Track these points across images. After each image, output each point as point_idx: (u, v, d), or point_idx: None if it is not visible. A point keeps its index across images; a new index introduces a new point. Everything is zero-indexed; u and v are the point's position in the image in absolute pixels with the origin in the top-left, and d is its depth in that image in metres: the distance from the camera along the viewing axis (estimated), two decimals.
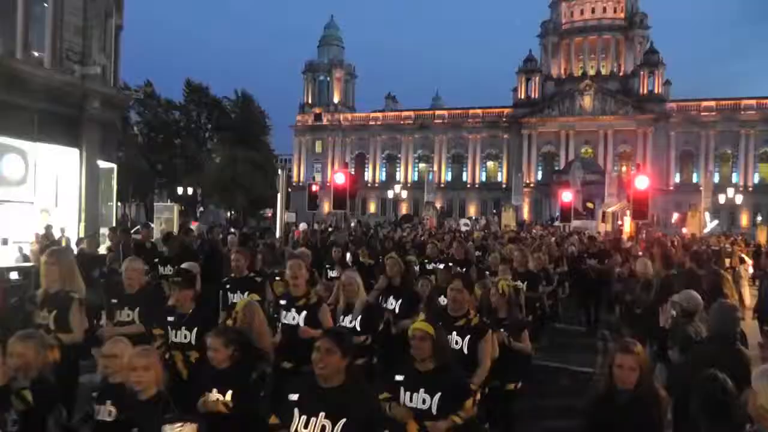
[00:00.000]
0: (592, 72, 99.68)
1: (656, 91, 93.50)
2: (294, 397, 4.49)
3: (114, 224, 22.89)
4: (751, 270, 21.20)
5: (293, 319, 7.31)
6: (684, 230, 44.45)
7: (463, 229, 40.50)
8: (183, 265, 9.00)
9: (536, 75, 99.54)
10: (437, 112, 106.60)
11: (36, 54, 19.50)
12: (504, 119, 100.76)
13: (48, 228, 18.09)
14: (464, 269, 11.82)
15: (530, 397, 10.13)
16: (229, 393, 5.43)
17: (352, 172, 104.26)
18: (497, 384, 7.40)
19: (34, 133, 19.20)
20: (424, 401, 5.05)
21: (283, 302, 7.59)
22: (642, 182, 18.97)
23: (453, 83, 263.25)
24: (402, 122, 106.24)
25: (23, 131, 18.68)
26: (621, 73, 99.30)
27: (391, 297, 9.04)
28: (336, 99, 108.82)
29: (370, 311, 7.97)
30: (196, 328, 6.92)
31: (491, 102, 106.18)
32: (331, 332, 4.85)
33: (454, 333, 6.34)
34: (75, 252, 13.15)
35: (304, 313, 7.28)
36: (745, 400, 3.86)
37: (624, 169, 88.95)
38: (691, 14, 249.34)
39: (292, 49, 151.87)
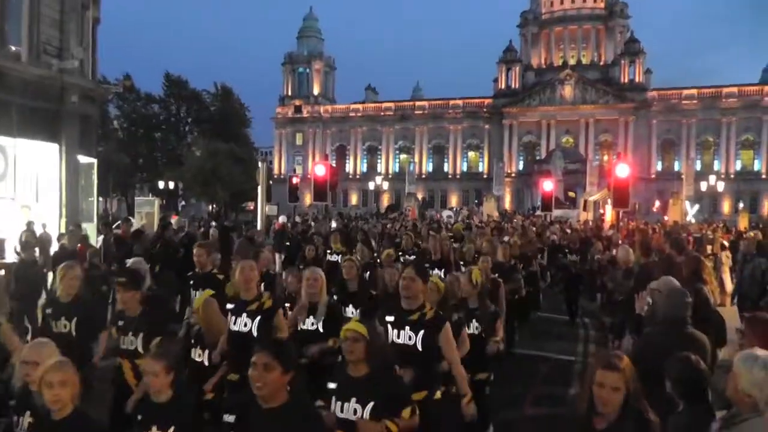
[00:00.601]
0: (572, 61, 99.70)
1: (637, 80, 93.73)
2: (230, 418, 4.05)
3: (95, 219, 22.83)
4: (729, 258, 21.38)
5: (245, 325, 6.61)
6: (665, 218, 44.78)
7: (446, 219, 40.66)
8: (129, 263, 8.56)
9: (516, 65, 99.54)
10: (417, 103, 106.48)
11: (13, 48, 19.34)
12: (485, 109, 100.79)
13: (29, 224, 18.00)
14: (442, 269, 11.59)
15: (509, 385, 10.25)
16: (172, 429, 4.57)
17: (333, 164, 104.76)
18: (467, 375, 7.43)
19: (14, 129, 19.08)
20: (355, 411, 4.53)
21: (231, 306, 6.83)
22: (622, 170, 19.05)
23: (434, 74, 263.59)
24: (382, 114, 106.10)
25: (2, 127, 18.56)
26: (602, 63, 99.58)
27: (350, 305, 8.54)
28: (316, 91, 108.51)
29: (335, 311, 7.46)
30: (142, 334, 6.41)
31: (472, 92, 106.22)
32: (270, 344, 4.25)
33: (407, 328, 5.66)
34: (57, 248, 13.14)
35: (258, 318, 6.60)
36: (723, 384, 3.91)
37: (606, 158, 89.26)
38: (671, 3, 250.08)
39: (272, 41, 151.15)
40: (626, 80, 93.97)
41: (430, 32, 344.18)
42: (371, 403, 4.47)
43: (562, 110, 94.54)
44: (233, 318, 6.67)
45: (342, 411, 4.54)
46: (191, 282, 8.86)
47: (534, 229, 23.64)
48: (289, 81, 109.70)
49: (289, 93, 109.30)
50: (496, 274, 10.74)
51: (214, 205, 73.52)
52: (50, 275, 12.50)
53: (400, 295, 5.88)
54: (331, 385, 4.74)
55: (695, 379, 4.42)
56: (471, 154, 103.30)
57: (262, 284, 8.71)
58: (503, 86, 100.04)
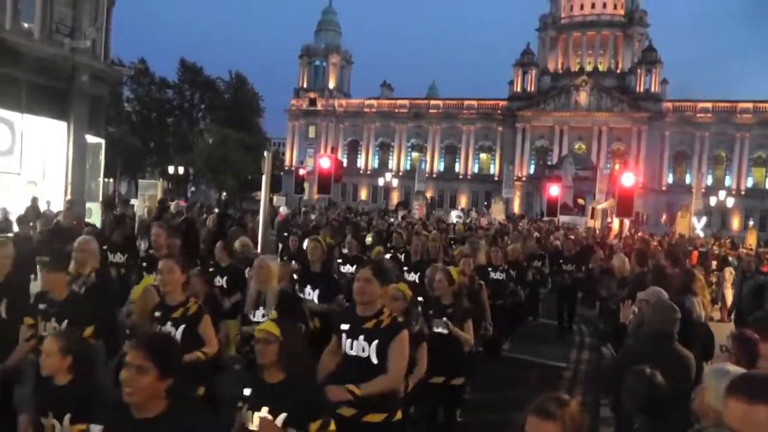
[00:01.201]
0: (589, 68, 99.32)
1: (653, 90, 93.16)
2: (96, 429, 3.49)
3: (101, 199, 22.88)
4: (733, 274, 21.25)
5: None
6: (672, 229, 44.63)
7: (455, 220, 40.67)
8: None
9: (533, 69, 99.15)
10: (432, 102, 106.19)
11: (26, 25, 19.38)
12: (499, 111, 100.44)
13: (34, 200, 18.06)
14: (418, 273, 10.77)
15: (498, 390, 10.22)
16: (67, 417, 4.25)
17: (345, 158, 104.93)
18: (443, 380, 7.17)
19: (22, 105, 19.17)
20: None
21: (157, 314, 5.97)
22: (628, 179, 18.88)
23: (449, 74, 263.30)
24: (396, 110, 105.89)
25: (11, 102, 18.65)
26: (618, 70, 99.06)
27: (308, 286, 8.00)
28: (331, 84, 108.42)
29: (286, 301, 6.82)
30: (66, 320, 5.84)
31: (487, 94, 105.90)
32: (147, 341, 3.68)
33: (361, 337, 4.98)
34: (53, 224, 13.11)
35: (182, 327, 5.78)
36: (694, 397, 3.83)
37: (617, 166, 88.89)
38: (690, 14, 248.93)
39: (290, 35, 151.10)
40: (642, 89, 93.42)
41: (447, 31, 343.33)
42: (283, 415, 4.00)
43: (576, 116, 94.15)
44: (158, 327, 5.81)
45: (254, 422, 4.06)
46: (143, 264, 8.52)
47: (537, 234, 23.50)
48: (305, 73, 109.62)
49: (305, 85, 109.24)
50: (478, 278, 10.24)
51: (224, 193, 73.74)
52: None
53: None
54: (246, 392, 4.26)
55: (651, 393, 4.35)
56: (483, 155, 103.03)
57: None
58: (518, 89, 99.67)
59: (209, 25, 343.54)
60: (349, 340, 5.03)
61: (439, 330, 7.12)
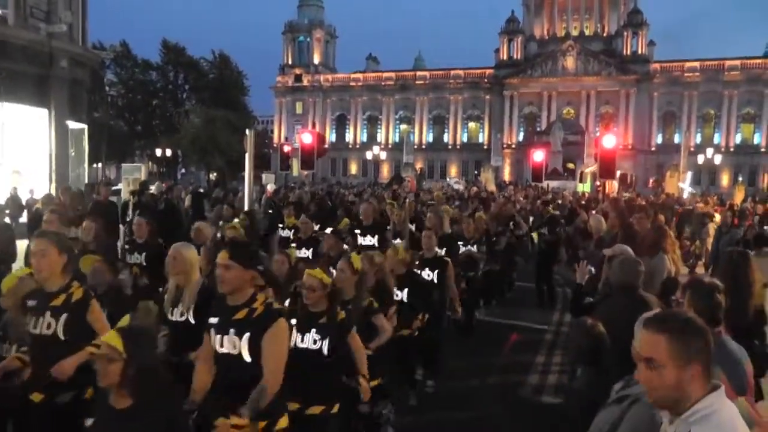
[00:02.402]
0: (575, 32, 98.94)
1: (640, 52, 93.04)
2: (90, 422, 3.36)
3: (85, 185, 22.84)
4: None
5: (48, 326, 4.97)
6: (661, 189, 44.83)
7: (455, 188, 41.09)
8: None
9: (519, 36, 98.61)
10: (418, 73, 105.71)
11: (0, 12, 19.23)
12: (486, 80, 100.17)
13: (14, 189, 17.98)
14: (376, 235, 10.88)
15: (478, 355, 10.32)
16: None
17: (334, 133, 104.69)
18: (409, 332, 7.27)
19: (0, 93, 19.04)
20: None
21: (31, 303, 5.10)
22: (609, 141, 18.86)
23: (436, 44, 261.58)
24: (383, 83, 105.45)
25: None
26: (605, 34, 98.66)
27: None
28: (316, 60, 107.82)
29: (209, 297, 5.53)
30: None
31: (474, 63, 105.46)
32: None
33: (232, 331, 4.33)
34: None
35: (65, 316, 4.97)
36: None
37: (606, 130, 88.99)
38: None
39: (273, 9, 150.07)
40: (629, 52, 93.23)
41: (432, 1, 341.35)
42: None
43: (564, 81, 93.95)
44: (33, 319, 5.01)
45: None
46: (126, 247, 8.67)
47: (523, 199, 23.57)
48: (289, 50, 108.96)
49: (290, 62, 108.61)
50: (444, 249, 9.93)
51: (214, 174, 73.57)
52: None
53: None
54: (88, 422, 3.68)
55: (591, 344, 4.42)
56: (471, 124, 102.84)
57: None
58: (505, 57, 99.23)
59: (190, 4, 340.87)
60: (219, 336, 4.38)
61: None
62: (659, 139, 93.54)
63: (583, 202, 24.12)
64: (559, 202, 23.80)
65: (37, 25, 19.87)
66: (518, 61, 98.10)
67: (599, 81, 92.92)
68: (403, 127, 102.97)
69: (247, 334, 4.24)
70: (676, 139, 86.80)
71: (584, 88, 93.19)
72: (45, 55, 20.27)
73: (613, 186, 37.27)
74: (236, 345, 4.28)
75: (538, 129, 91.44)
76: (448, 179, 73.42)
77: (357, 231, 11.23)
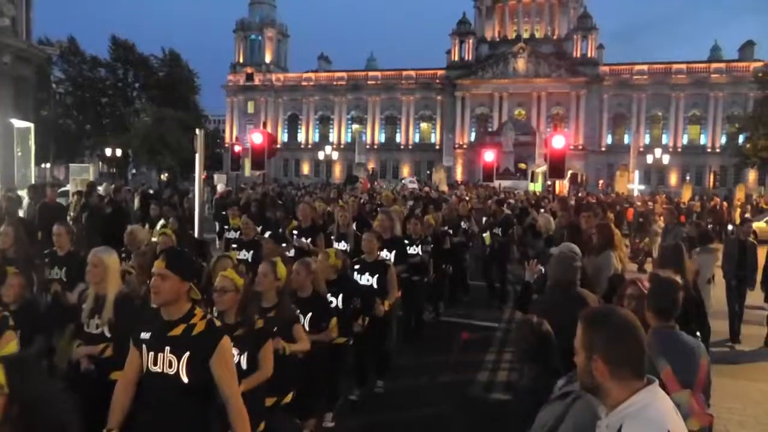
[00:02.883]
0: (526, 35, 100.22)
1: (589, 55, 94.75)
2: None
3: (31, 186, 22.32)
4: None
5: None
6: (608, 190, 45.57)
7: (410, 187, 41.35)
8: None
9: (470, 37, 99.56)
10: (371, 74, 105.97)
11: None
12: (438, 81, 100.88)
13: None
14: (309, 239, 10.66)
15: (427, 354, 10.34)
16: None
17: (286, 133, 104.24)
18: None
19: None
20: None
21: None
22: (558, 142, 19.08)
23: (388, 45, 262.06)
24: (335, 83, 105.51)
25: None
26: (555, 37, 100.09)
27: None
28: (268, 59, 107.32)
29: (127, 308, 5.27)
30: None
31: (426, 64, 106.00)
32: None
33: (167, 349, 3.92)
34: None
35: None
36: None
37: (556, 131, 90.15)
38: None
39: (224, 6, 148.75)
40: (579, 55, 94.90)
41: (384, 2, 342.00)
42: None
43: (515, 83, 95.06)
44: None
45: None
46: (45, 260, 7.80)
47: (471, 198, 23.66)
48: (240, 48, 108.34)
49: (241, 60, 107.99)
50: (393, 252, 9.58)
51: (166, 174, 72.61)
52: None
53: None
54: None
55: (535, 341, 4.43)
56: (423, 125, 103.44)
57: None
58: (456, 58, 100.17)
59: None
60: (152, 353, 3.96)
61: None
62: (609, 140, 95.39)
63: (533, 202, 24.35)
64: (511, 201, 24.02)
65: None
66: (470, 62, 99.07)
67: (550, 83, 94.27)
68: (356, 127, 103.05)
69: (187, 354, 3.87)
70: (626, 139, 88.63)
71: (535, 89, 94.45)
72: None
73: (564, 185, 37.78)
74: (173, 365, 3.88)
75: (490, 129, 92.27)
76: (402, 179, 73.52)
77: (294, 233, 11.00)
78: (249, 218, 10.96)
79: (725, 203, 34.61)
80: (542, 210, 16.98)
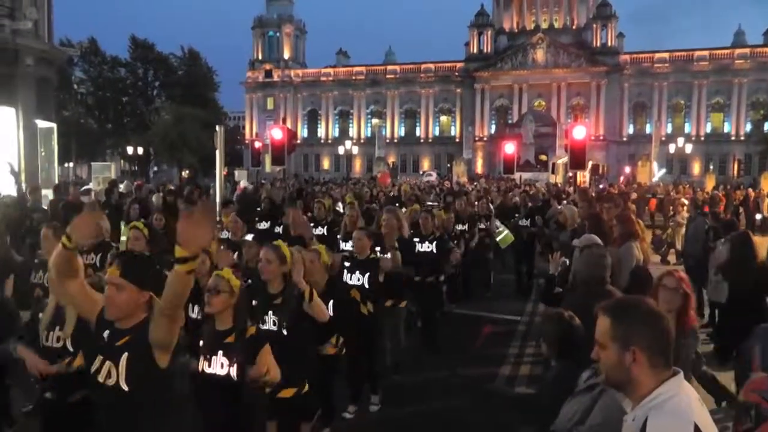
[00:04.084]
0: (544, 25, 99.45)
1: (609, 44, 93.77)
2: None
3: (55, 185, 22.55)
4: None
5: None
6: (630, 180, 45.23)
7: (426, 180, 41.22)
8: None
9: (488, 29, 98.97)
10: (389, 68, 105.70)
11: None
12: (456, 73, 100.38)
13: None
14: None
15: (450, 346, 10.32)
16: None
17: (305, 129, 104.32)
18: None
19: None
20: None
21: None
22: (579, 132, 18.96)
23: (406, 38, 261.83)
24: (354, 78, 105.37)
25: None
26: (574, 27, 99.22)
27: None
28: (286, 55, 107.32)
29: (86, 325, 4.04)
30: None
31: (444, 56, 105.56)
32: None
33: (108, 363, 3.57)
34: None
35: None
36: None
37: (578, 121, 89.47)
38: None
39: (242, 4, 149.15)
40: (598, 44, 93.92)
41: None
42: None
43: (534, 74, 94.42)
44: None
45: None
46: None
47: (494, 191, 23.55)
48: (259, 45, 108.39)
49: (260, 57, 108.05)
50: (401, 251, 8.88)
51: (187, 171, 73.07)
52: None
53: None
54: None
55: (561, 334, 4.40)
56: (443, 118, 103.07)
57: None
58: (475, 50, 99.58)
59: None
60: (108, 363, 3.52)
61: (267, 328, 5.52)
62: (630, 130, 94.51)
63: (554, 193, 24.21)
64: (532, 193, 23.89)
65: (1, 22, 19.58)
66: (488, 54, 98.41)
67: (569, 73, 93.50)
68: (375, 121, 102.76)
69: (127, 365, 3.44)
70: (648, 129, 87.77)
71: (555, 80, 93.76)
72: (10, 53, 19.98)
73: (584, 176, 37.56)
74: (112, 375, 3.45)
75: (510, 121, 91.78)
76: (422, 172, 73.50)
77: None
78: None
79: (752, 191, 34.21)
80: (564, 202, 16.84)
